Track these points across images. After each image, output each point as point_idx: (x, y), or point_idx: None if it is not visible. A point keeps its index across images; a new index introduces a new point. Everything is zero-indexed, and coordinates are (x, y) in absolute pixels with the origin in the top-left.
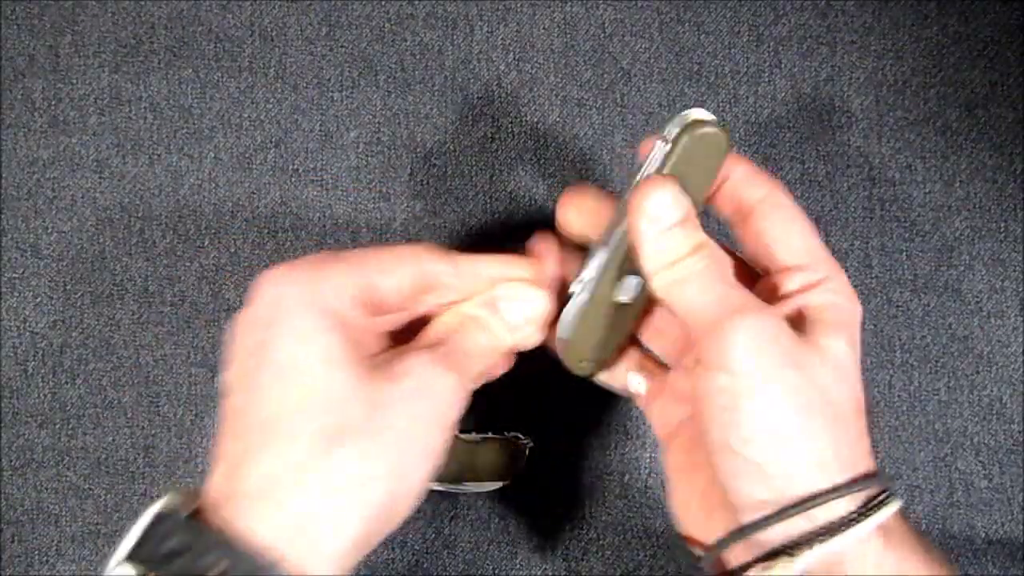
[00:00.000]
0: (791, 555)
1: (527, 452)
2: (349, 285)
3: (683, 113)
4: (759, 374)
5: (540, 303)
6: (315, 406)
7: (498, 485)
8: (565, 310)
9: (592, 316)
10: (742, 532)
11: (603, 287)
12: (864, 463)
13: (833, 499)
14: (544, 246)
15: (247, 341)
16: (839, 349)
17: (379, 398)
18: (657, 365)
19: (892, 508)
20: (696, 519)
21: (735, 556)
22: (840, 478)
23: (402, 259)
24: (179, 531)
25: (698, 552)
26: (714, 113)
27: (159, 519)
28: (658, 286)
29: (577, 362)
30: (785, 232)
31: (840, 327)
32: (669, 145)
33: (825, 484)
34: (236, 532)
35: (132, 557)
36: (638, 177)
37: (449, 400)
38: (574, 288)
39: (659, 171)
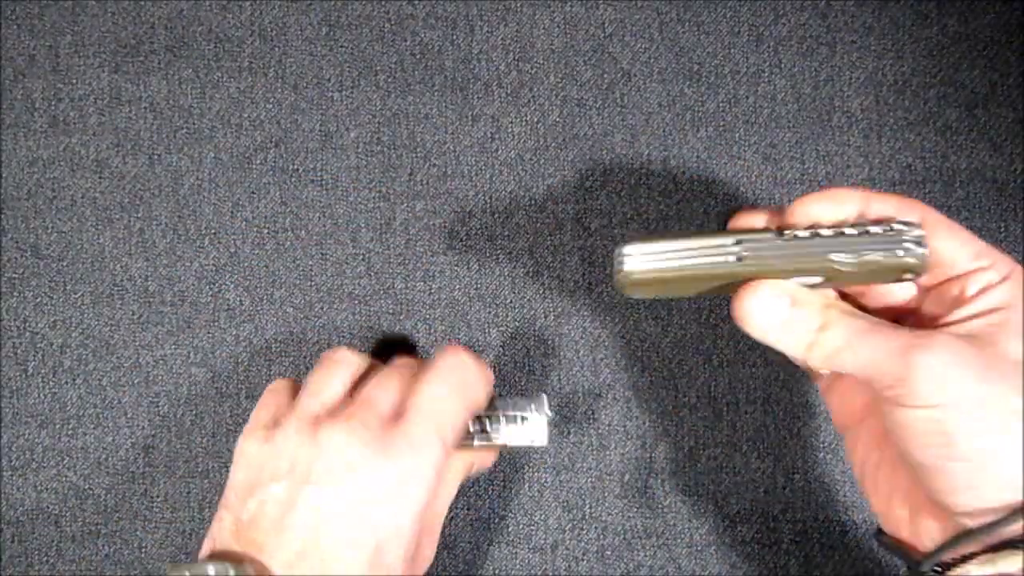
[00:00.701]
0: (1017, 549)
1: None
2: None
3: None
4: (956, 401)
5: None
6: None
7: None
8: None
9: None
10: (969, 535)
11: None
12: None
13: None
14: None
15: None
16: (1019, 351)
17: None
18: None
19: None
20: (899, 517)
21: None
22: None
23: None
24: None
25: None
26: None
27: None
28: (818, 366)
29: None
30: (958, 240)
31: (1019, 327)
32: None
33: None
34: None
35: None
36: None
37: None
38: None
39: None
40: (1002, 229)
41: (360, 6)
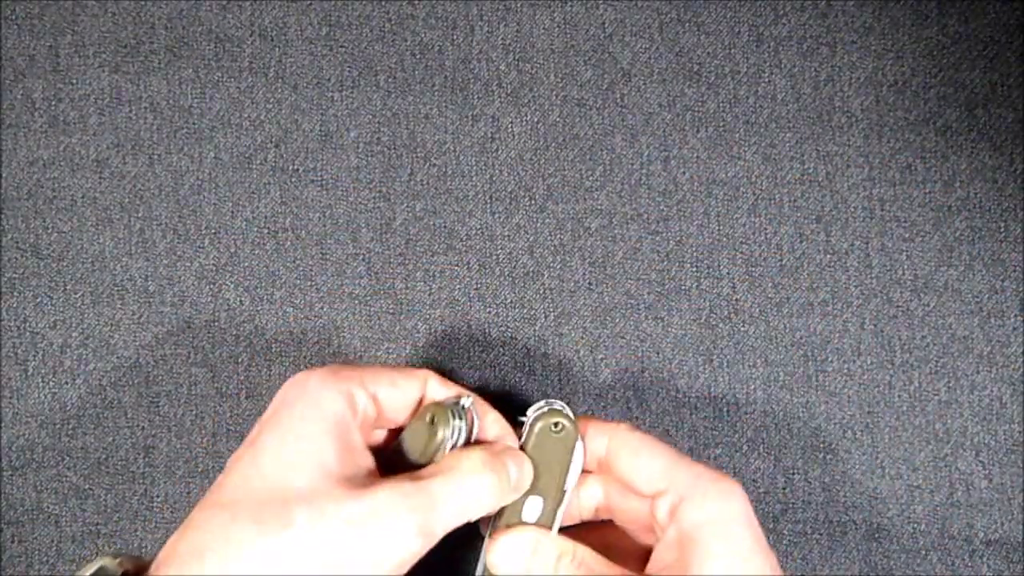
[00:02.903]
0: None
1: None
2: (355, 394)
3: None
4: None
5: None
6: (268, 497)
7: None
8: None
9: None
10: None
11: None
12: None
13: None
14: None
15: (253, 436)
16: (714, 568)
17: (333, 509)
18: None
19: None
20: None
21: None
22: None
23: (410, 378)
24: None
25: None
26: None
27: (99, 571)
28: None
29: None
30: (634, 465)
31: (709, 543)
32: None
33: None
34: None
35: None
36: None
37: (400, 540)
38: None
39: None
40: (1002, 229)
41: (360, 6)
